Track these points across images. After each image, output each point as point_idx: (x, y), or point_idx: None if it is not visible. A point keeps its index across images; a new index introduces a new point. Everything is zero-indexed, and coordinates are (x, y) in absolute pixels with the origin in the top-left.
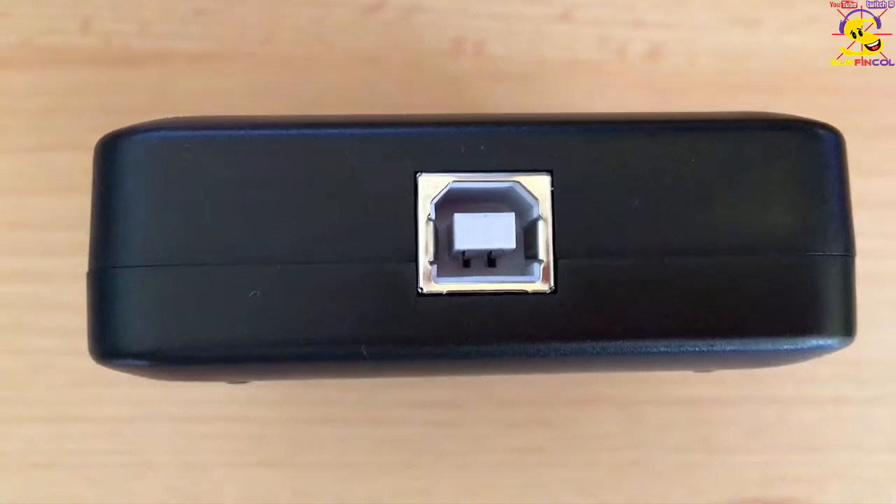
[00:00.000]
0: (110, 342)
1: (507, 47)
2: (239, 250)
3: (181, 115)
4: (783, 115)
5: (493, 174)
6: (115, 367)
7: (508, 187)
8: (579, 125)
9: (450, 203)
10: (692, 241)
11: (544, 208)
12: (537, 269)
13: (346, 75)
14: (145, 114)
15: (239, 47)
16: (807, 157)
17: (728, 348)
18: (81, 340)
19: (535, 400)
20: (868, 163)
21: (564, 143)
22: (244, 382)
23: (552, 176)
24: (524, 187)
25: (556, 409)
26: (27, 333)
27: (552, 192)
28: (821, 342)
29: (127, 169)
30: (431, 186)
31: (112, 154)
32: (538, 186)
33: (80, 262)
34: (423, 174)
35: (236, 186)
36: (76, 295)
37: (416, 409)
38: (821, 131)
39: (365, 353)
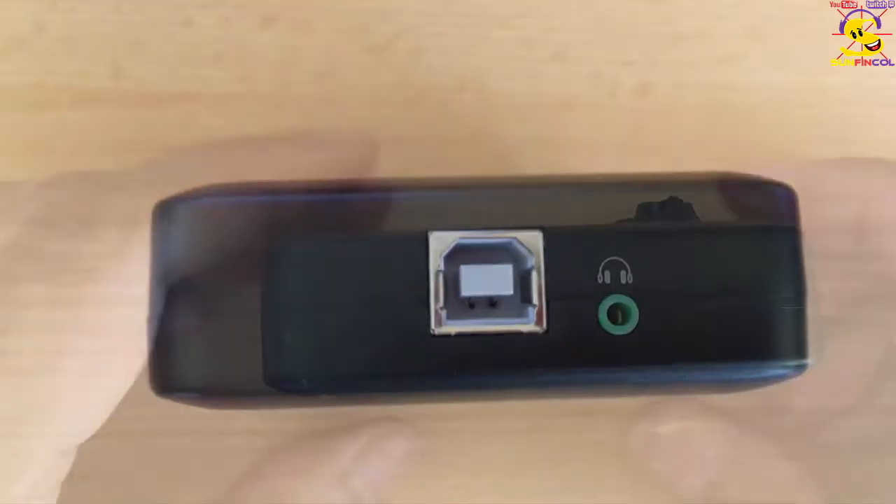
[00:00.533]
0: (167, 379)
1: (506, 86)
2: None
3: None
4: (745, 174)
5: (494, 231)
6: (171, 398)
7: (507, 242)
8: (566, 187)
9: (457, 254)
10: (663, 286)
11: (537, 260)
12: (531, 312)
13: (357, 110)
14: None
15: (257, 87)
16: (764, 211)
17: (699, 377)
18: (111, 360)
19: (537, 411)
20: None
21: (554, 204)
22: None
23: (544, 232)
24: (520, 242)
25: (556, 420)
26: (62, 355)
27: (544, 247)
28: (778, 371)
29: (176, 230)
30: (441, 242)
31: (163, 215)
32: (532, 241)
33: (108, 287)
34: (434, 232)
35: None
36: (108, 317)
37: (425, 420)
38: (776, 189)
39: (386, 386)
